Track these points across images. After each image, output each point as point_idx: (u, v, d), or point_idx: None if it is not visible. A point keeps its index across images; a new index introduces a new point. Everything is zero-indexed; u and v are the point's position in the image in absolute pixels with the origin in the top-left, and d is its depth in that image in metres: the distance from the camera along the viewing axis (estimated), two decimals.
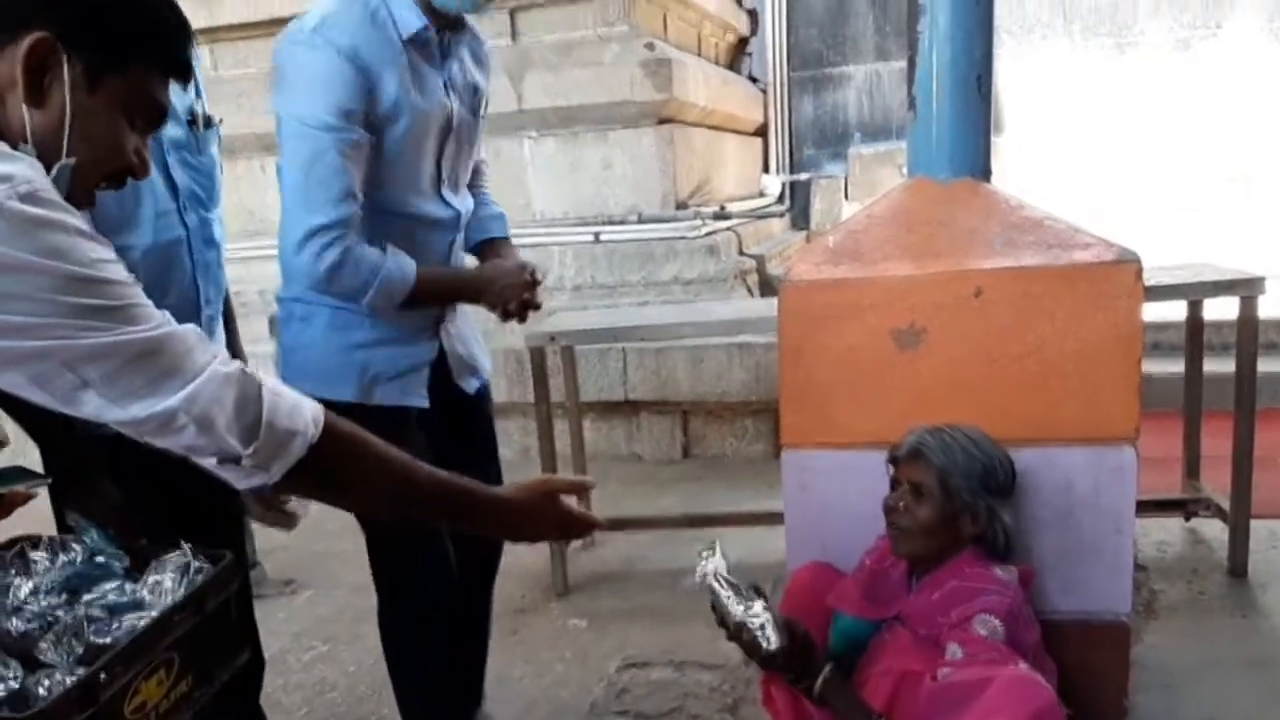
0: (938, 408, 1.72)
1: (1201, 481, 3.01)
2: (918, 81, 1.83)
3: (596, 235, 4.48)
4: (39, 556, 1.29)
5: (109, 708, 1.05)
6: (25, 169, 0.93)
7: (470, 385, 1.98)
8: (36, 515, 1.42)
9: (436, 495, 1.23)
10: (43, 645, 1.11)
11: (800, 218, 6.47)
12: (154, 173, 1.49)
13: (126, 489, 1.47)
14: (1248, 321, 2.64)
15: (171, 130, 1.52)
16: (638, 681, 2.44)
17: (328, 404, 1.14)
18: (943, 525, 1.60)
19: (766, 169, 6.48)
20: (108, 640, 1.13)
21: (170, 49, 1.10)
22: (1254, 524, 2.74)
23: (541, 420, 2.92)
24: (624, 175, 4.57)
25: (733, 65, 6.40)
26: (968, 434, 1.63)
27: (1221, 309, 2.77)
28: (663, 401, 4.17)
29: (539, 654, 2.62)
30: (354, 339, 1.81)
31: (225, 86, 4.52)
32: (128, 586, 1.25)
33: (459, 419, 1.97)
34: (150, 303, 0.99)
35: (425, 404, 1.87)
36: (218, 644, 1.27)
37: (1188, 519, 3.04)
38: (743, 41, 6.48)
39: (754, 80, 6.46)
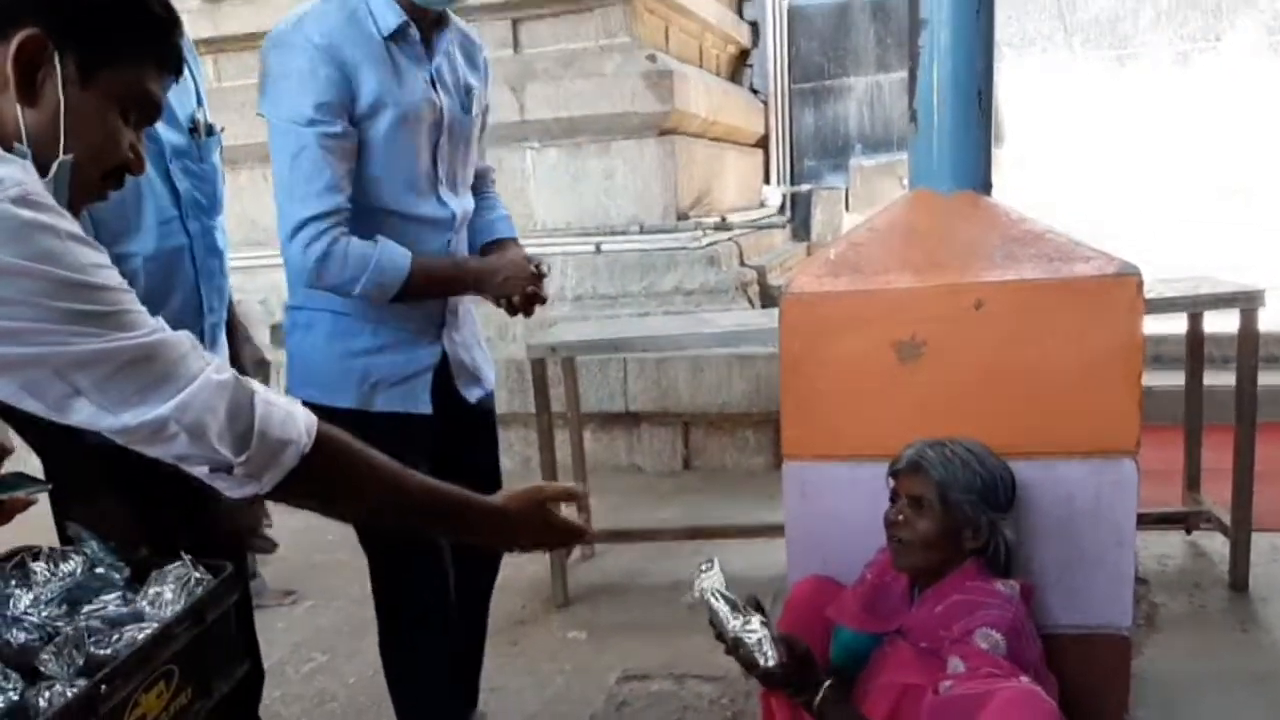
0: (939, 420, 1.72)
1: (1202, 495, 3.01)
2: (919, 95, 1.84)
3: (598, 246, 4.49)
4: (39, 567, 1.29)
5: None
6: (16, 171, 0.92)
7: (472, 394, 1.98)
8: (37, 525, 1.42)
9: (428, 504, 1.23)
10: (44, 656, 1.11)
11: (801, 229, 6.49)
12: (156, 180, 1.50)
13: (127, 500, 1.47)
14: (1248, 335, 2.65)
15: (173, 138, 1.53)
16: (638, 694, 2.43)
17: (330, 411, 1.14)
18: (943, 538, 1.59)
19: (767, 180, 6.50)
20: (108, 652, 1.13)
21: (161, 41, 1.10)
22: (1255, 537, 2.74)
23: (542, 431, 2.92)
24: (625, 186, 4.58)
25: (734, 77, 6.42)
26: (968, 447, 1.63)
27: (1222, 322, 2.78)
28: (663, 412, 4.17)
29: (539, 666, 2.62)
30: (355, 346, 1.82)
31: (228, 97, 4.51)
32: (128, 597, 1.25)
33: (461, 428, 1.97)
34: (144, 309, 0.98)
35: (428, 410, 1.87)
36: (218, 656, 1.27)
37: (1189, 532, 3.04)
38: (744, 53, 6.51)
39: (755, 92, 6.48)
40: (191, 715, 1.21)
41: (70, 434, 0.98)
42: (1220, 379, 2.94)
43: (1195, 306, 2.75)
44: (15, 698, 1.06)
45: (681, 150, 4.67)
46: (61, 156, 1.00)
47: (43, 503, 1.39)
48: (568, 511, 1.44)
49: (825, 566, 1.82)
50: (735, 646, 1.44)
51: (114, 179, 1.09)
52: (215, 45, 4.72)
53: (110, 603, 1.23)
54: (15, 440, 1.42)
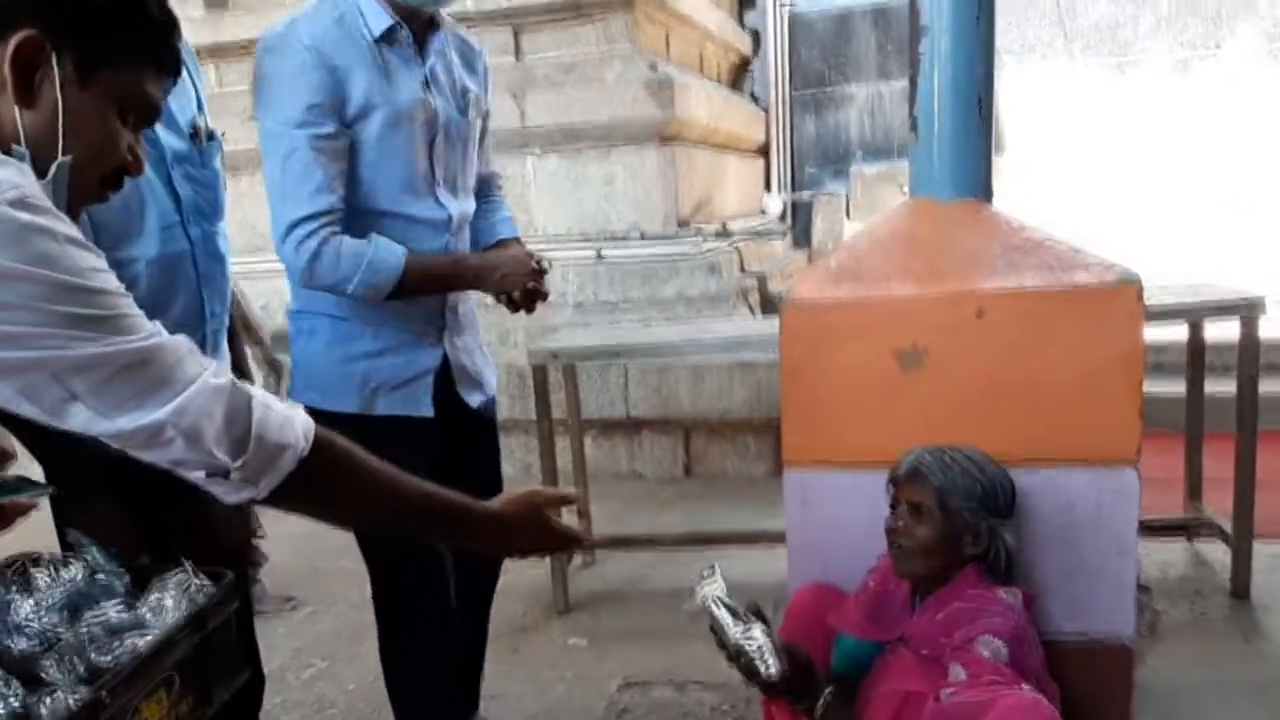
0: (940, 428, 1.72)
1: (1203, 503, 3.01)
2: (919, 102, 1.84)
3: (599, 253, 4.50)
4: (40, 574, 1.29)
5: None
6: (13, 174, 0.91)
7: (474, 399, 1.98)
8: (38, 531, 1.42)
9: (425, 509, 1.22)
10: (45, 664, 1.11)
11: (802, 236, 6.49)
12: (158, 185, 1.50)
13: (125, 506, 1.47)
14: (1249, 343, 2.64)
15: (175, 143, 1.54)
16: (639, 701, 2.43)
17: (332, 416, 1.14)
18: (943, 544, 1.59)
19: (768, 188, 6.51)
20: (109, 659, 1.13)
21: (159, 43, 1.10)
22: (1256, 546, 2.73)
23: (543, 437, 2.92)
24: (626, 193, 4.58)
25: (735, 84, 6.43)
26: (967, 454, 1.63)
27: (1222, 330, 2.78)
28: (664, 419, 4.17)
29: (540, 673, 2.61)
30: (355, 350, 1.82)
31: (229, 103, 4.51)
32: (129, 605, 1.25)
33: (463, 433, 1.97)
34: (141, 313, 0.98)
35: (430, 413, 1.87)
36: (218, 663, 1.27)
37: (1190, 540, 3.03)
38: (745, 61, 6.52)
39: (756, 99, 6.49)
40: None
41: (68, 440, 0.97)
42: (1221, 387, 2.93)
43: (1196, 314, 2.75)
44: (17, 705, 1.06)
45: (682, 158, 4.68)
46: (60, 158, 1.00)
47: (44, 509, 1.39)
48: (565, 517, 1.44)
49: (826, 574, 1.82)
50: (737, 654, 1.44)
51: (113, 181, 1.09)
52: (217, 52, 4.73)
53: (111, 610, 1.23)
54: (17, 446, 1.42)
